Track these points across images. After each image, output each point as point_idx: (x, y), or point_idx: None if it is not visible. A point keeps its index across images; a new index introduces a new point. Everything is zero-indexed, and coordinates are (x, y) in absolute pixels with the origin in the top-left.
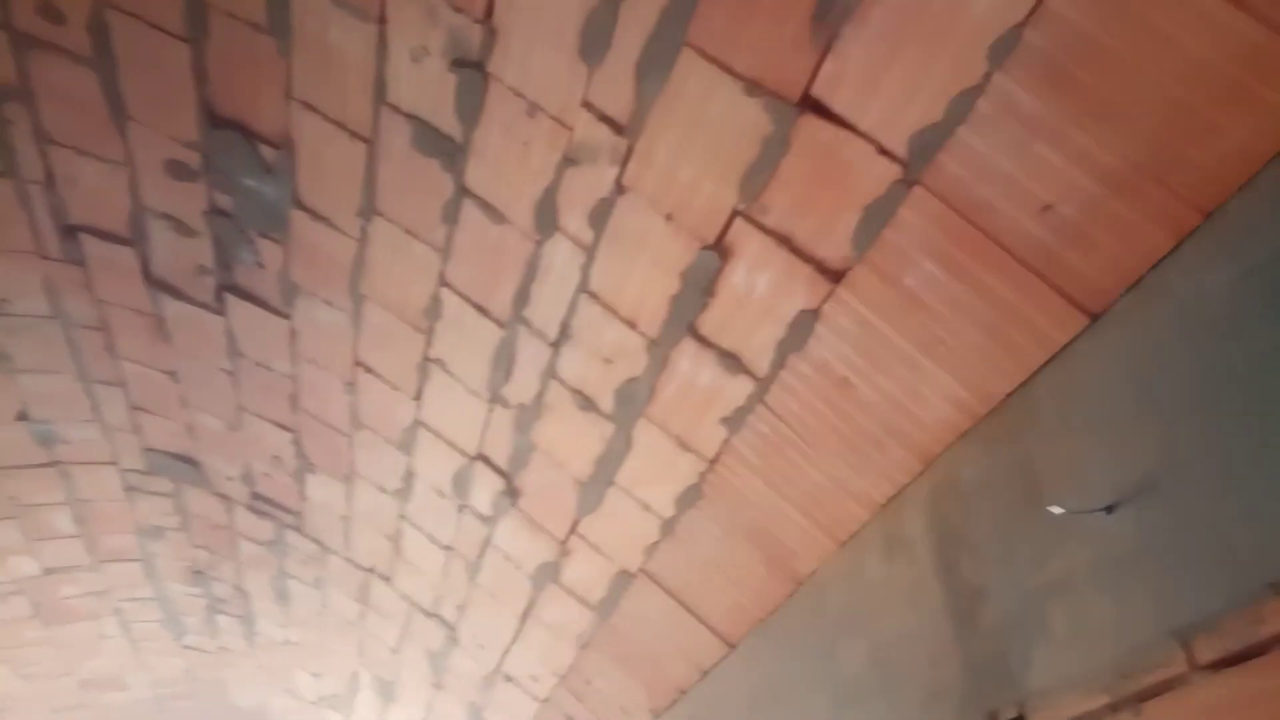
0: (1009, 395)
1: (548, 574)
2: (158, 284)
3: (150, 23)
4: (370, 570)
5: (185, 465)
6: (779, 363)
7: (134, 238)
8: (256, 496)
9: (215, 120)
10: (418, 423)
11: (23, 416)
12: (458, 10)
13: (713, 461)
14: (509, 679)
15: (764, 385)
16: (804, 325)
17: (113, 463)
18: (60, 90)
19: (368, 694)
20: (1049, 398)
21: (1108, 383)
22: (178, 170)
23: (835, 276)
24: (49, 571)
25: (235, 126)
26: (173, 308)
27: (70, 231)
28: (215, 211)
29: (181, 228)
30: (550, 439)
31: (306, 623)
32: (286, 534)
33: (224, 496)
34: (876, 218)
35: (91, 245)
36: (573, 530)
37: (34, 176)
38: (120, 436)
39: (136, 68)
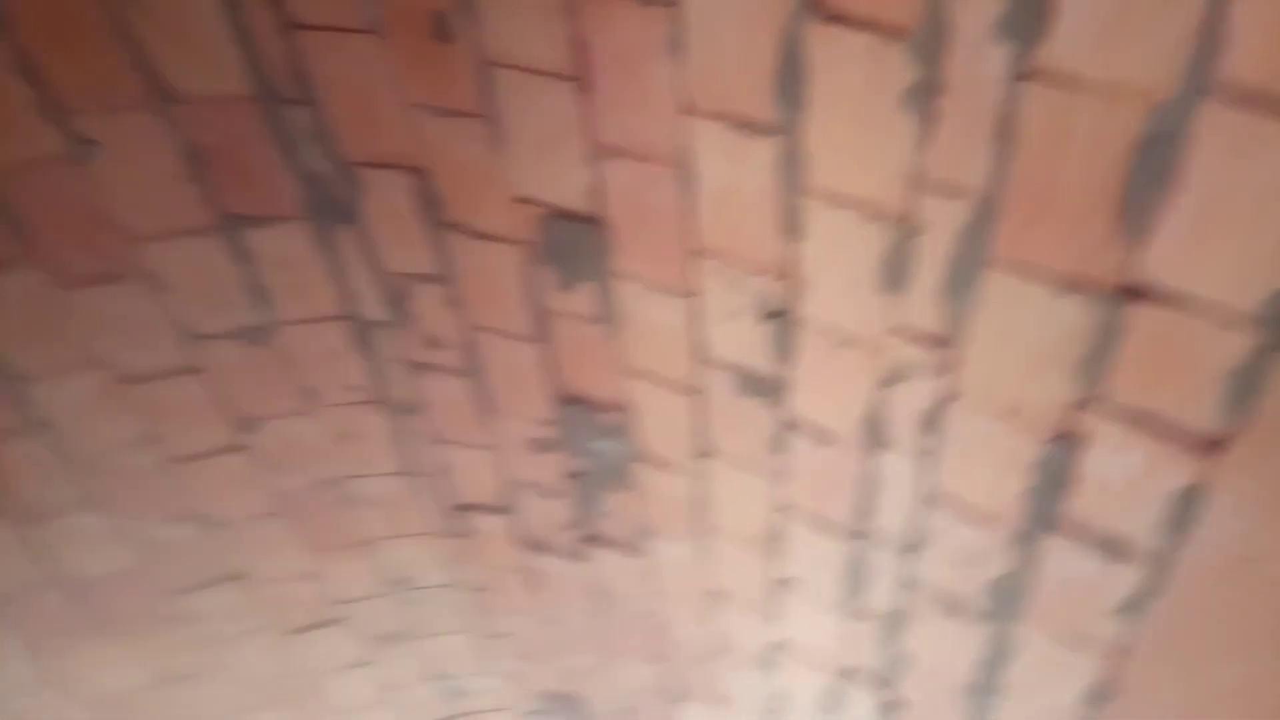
0: None
1: None
2: (529, 544)
3: (506, 334)
4: None
5: (570, 703)
6: (1165, 546)
7: (507, 506)
8: None
9: (564, 399)
10: (776, 643)
11: (432, 677)
12: (761, 274)
13: (1112, 656)
14: None
15: (1154, 571)
16: (1182, 504)
17: (508, 708)
18: (444, 399)
19: None
20: None
21: None
22: (538, 445)
23: (1209, 449)
24: None
25: (581, 402)
26: (544, 563)
27: (458, 510)
28: (571, 474)
29: (545, 491)
30: (921, 647)
31: None
32: None
33: None
34: (1243, 384)
35: (475, 519)
36: None
37: (428, 471)
38: (511, 684)
39: (499, 371)
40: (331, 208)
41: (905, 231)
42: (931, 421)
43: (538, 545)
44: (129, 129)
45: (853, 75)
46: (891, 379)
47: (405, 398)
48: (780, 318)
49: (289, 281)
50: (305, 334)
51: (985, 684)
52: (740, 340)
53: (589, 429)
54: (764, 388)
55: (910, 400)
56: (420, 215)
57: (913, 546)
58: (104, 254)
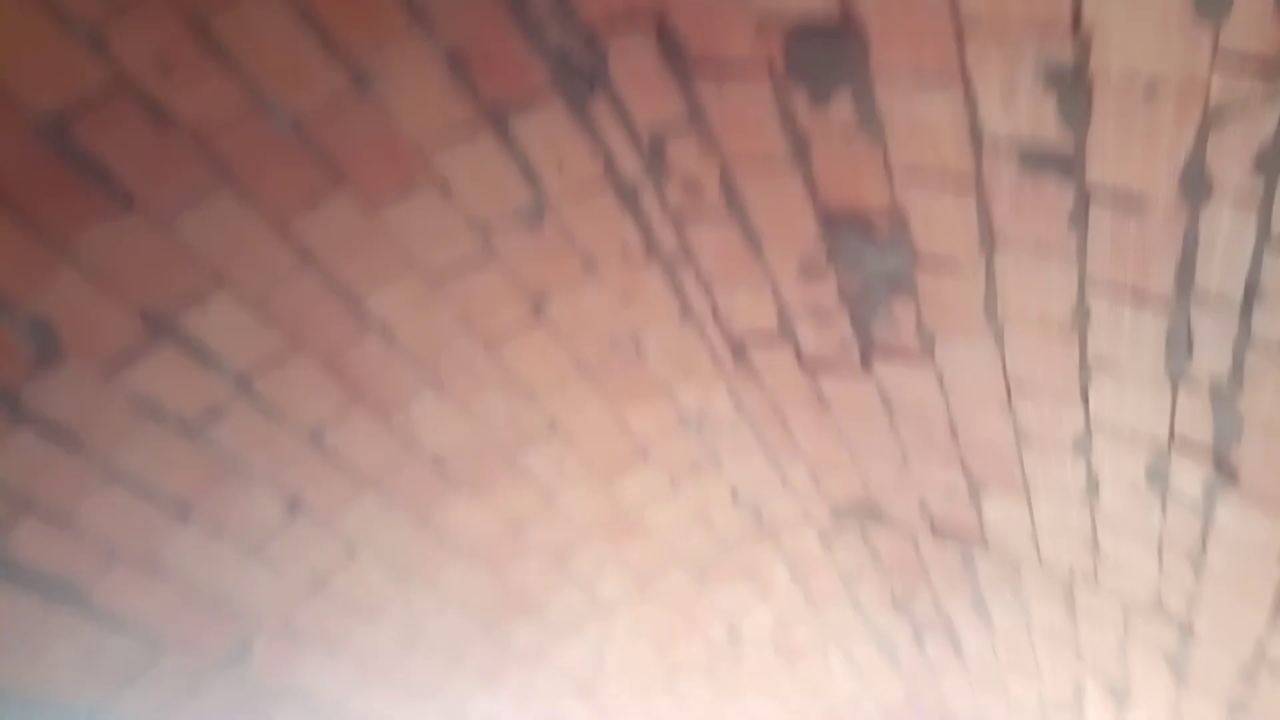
0: None
1: None
2: (811, 366)
3: (765, 164)
4: (1070, 579)
5: (867, 511)
6: None
7: (785, 334)
8: (937, 527)
9: (830, 219)
10: (1091, 424)
11: (736, 500)
12: (1040, 35)
13: None
14: (1274, 672)
15: None
16: None
17: (808, 522)
18: (712, 241)
19: (1096, 698)
20: None
21: None
22: (808, 270)
23: None
24: (781, 621)
25: (849, 217)
26: (827, 383)
27: (739, 346)
28: (848, 292)
29: (821, 314)
30: (1263, 410)
31: (1013, 636)
32: (974, 556)
33: (907, 532)
34: None
35: (756, 352)
36: None
37: (707, 313)
38: (809, 499)
39: (762, 203)
40: (580, 77)
41: None
42: (1268, 160)
43: (823, 366)
44: (397, 53)
45: None
46: (1214, 120)
47: (676, 247)
48: (1068, 78)
49: (554, 158)
50: (576, 205)
51: None
52: (1023, 114)
53: (861, 243)
54: (1055, 162)
55: (1238, 141)
56: (663, 63)
57: (1251, 303)
58: (397, 171)
